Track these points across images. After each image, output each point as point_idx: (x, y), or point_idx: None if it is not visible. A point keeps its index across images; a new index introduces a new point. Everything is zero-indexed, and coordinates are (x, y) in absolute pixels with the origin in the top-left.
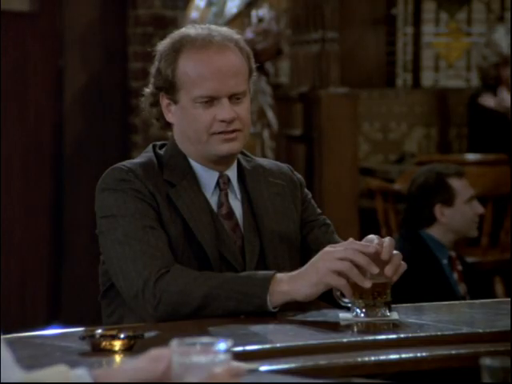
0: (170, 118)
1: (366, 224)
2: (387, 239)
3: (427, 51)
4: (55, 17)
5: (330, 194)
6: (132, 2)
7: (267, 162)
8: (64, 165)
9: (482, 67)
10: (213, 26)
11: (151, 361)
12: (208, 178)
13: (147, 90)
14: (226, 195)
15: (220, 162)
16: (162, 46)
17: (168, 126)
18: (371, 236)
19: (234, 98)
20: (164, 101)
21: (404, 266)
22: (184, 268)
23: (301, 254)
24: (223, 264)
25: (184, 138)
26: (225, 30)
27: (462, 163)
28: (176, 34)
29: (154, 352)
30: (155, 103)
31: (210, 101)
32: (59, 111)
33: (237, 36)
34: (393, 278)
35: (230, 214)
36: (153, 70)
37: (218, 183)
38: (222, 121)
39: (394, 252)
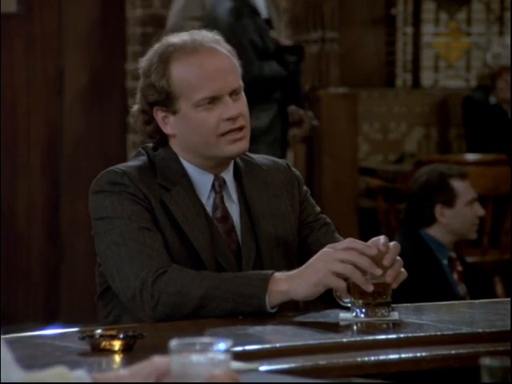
0: (168, 130)
1: (366, 224)
2: (393, 243)
3: (427, 51)
4: (55, 17)
5: (330, 194)
6: (132, 1)
7: (264, 160)
8: (63, 164)
9: (483, 74)
10: (193, 32)
11: (150, 365)
12: (203, 181)
13: (135, 110)
14: (222, 198)
15: (223, 163)
16: (147, 61)
17: (163, 141)
18: (377, 238)
19: (233, 94)
20: (159, 115)
21: (404, 274)
22: (181, 268)
23: (301, 256)
24: (218, 269)
25: (188, 147)
26: (205, 33)
27: (461, 163)
28: (158, 46)
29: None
30: (149, 120)
31: (212, 102)
32: (59, 111)
33: (218, 37)
34: (393, 285)
35: (225, 217)
36: (141, 86)
37: (213, 186)
38: (229, 119)
39: (397, 258)
